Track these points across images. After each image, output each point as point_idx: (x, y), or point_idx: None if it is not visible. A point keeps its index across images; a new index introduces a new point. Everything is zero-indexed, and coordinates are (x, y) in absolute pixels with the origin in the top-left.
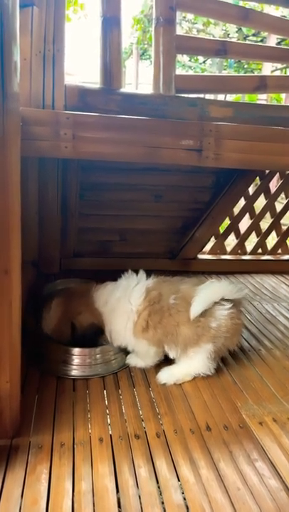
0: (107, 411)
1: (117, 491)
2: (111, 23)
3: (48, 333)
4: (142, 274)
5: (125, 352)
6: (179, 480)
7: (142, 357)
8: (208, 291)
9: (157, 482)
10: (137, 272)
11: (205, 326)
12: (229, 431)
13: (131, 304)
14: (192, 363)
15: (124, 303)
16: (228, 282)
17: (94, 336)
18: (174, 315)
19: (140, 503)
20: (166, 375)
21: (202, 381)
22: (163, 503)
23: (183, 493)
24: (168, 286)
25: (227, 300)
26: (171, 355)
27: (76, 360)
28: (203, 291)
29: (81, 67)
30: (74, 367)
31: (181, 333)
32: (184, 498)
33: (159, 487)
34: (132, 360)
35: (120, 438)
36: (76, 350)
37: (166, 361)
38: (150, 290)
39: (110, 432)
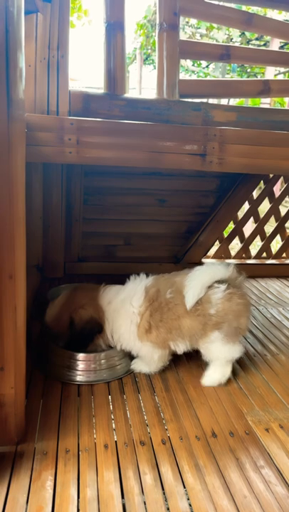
0: (112, 417)
1: (123, 498)
2: (115, 29)
3: (47, 323)
4: (142, 275)
5: (130, 357)
6: (184, 487)
7: (146, 362)
8: (196, 277)
9: (163, 489)
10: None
11: (205, 313)
12: (235, 437)
13: (133, 306)
14: (217, 356)
15: (126, 305)
16: (217, 263)
17: (91, 332)
18: (172, 309)
19: (146, 511)
20: (209, 380)
21: (207, 387)
22: (168, 510)
23: (188, 499)
24: (164, 282)
25: (221, 282)
26: (180, 351)
27: (81, 365)
28: (192, 278)
29: (84, 72)
30: (79, 372)
31: (185, 325)
32: (190, 505)
33: (164, 494)
34: (137, 366)
35: (125, 444)
36: (81, 356)
37: (172, 369)
38: (149, 288)
39: (115, 438)
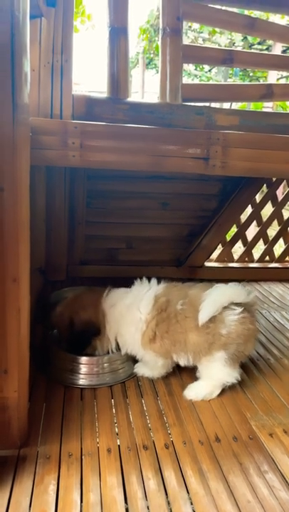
0: (115, 421)
1: (126, 503)
2: (118, 34)
3: (52, 321)
4: (153, 281)
5: (133, 361)
6: (188, 492)
7: (150, 367)
8: (216, 295)
9: (166, 494)
10: (149, 279)
11: (215, 332)
12: (239, 442)
13: (140, 312)
14: (213, 375)
15: (133, 310)
16: (237, 285)
17: (88, 334)
18: (181, 321)
19: None
20: (193, 393)
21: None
22: None
23: (192, 504)
24: (176, 292)
25: (237, 304)
26: (182, 364)
27: (83, 369)
28: (211, 296)
29: (87, 76)
30: (81, 376)
31: (190, 340)
32: (193, 510)
33: (168, 499)
34: (140, 370)
35: (128, 449)
36: (84, 359)
37: (175, 373)
38: (159, 297)
39: (118, 443)
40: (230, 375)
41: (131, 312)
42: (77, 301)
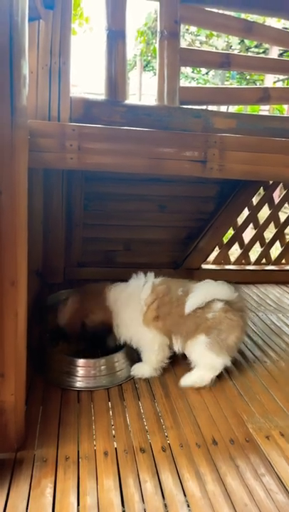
0: (112, 423)
1: (123, 506)
2: (116, 37)
3: (62, 326)
4: (150, 274)
5: (130, 363)
6: (185, 495)
7: (146, 354)
8: (202, 290)
9: (163, 497)
10: (145, 274)
11: (202, 316)
12: (235, 445)
13: (140, 298)
14: (199, 360)
15: (134, 299)
16: (224, 284)
17: (103, 334)
18: (181, 306)
19: None
20: (185, 380)
21: (208, 394)
22: None
23: (189, 507)
24: (175, 282)
25: (221, 300)
26: (176, 348)
27: (80, 371)
28: (198, 289)
29: (84, 77)
30: (78, 378)
31: (186, 323)
32: None
33: (164, 502)
34: (137, 371)
35: (125, 452)
36: (80, 362)
37: (172, 375)
38: (157, 285)
39: (115, 446)
40: (215, 360)
41: (132, 299)
42: (84, 306)
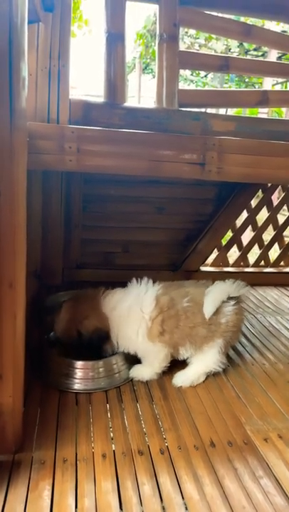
0: (110, 426)
1: (121, 509)
2: (115, 39)
3: (58, 336)
4: (148, 281)
5: (128, 365)
6: (183, 497)
7: (150, 362)
8: (217, 292)
9: (161, 499)
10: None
11: (216, 322)
12: (234, 447)
13: (143, 312)
14: (204, 361)
15: (135, 311)
16: (232, 281)
17: (100, 340)
18: (190, 317)
19: None
20: (181, 379)
21: (206, 396)
22: None
23: (187, 510)
24: (175, 290)
25: (232, 298)
26: (184, 357)
27: (79, 373)
28: (213, 292)
29: (83, 79)
30: (76, 380)
31: (198, 333)
32: None
33: (162, 504)
34: (136, 373)
35: (123, 454)
36: (79, 364)
37: (170, 377)
38: (160, 296)
39: (113, 448)
40: (219, 361)
41: (133, 312)
42: (77, 312)
